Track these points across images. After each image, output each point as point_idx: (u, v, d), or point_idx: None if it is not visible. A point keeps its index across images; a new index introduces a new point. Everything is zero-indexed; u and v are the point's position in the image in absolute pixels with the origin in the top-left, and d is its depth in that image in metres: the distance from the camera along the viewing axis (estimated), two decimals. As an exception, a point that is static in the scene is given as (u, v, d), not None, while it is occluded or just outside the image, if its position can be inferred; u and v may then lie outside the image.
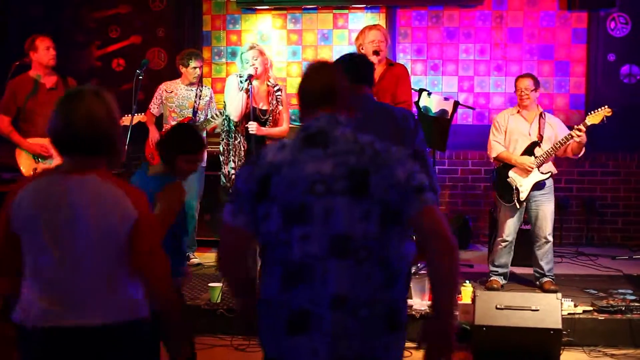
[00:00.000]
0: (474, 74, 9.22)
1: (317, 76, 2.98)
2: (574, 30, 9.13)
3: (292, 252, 2.71)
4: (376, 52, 6.28)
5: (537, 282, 6.69)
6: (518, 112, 6.82)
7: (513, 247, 6.75)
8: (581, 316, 5.92)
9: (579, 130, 6.42)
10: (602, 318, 5.92)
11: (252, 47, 6.59)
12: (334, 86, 2.93)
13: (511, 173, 6.67)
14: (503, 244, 6.70)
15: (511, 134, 6.78)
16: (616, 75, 8.99)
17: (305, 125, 2.89)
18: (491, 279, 6.73)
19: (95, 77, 9.36)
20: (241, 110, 6.43)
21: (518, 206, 6.64)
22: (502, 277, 6.75)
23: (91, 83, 8.66)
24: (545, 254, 6.63)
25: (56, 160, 6.71)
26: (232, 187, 2.69)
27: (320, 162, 2.73)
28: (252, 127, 6.38)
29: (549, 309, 5.52)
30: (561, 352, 5.59)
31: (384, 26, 8.24)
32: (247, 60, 6.52)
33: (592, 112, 6.54)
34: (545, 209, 6.64)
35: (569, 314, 5.86)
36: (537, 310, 5.53)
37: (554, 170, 6.72)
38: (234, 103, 6.46)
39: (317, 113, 2.88)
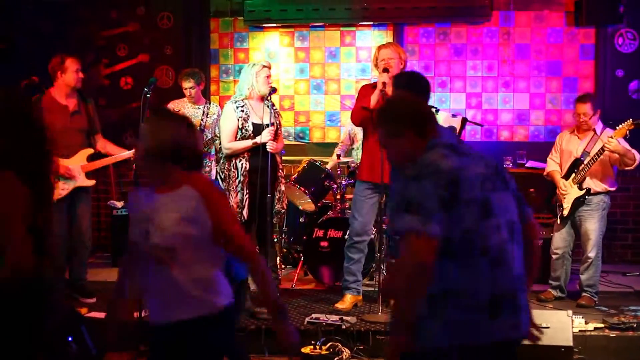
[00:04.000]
0: (481, 91, 9.21)
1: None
2: (582, 47, 9.12)
3: (490, 242, 3.06)
4: (385, 70, 6.39)
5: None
6: (573, 131, 6.97)
7: (566, 262, 6.92)
8: (592, 333, 5.88)
9: (608, 142, 6.48)
10: (614, 335, 5.87)
11: (268, 67, 6.71)
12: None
13: (558, 191, 6.87)
14: (554, 256, 6.93)
15: (563, 153, 6.95)
16: (624, 91, 8.97)
17: (439, 140, 3.25)
18: (547, 290, 6.97)
19: (103, 95, 9.38)
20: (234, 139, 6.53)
21: (559, 222, 6.89)
22: (556, 290, 6.94)
23: (99, 102, 8.74)
24: (585, 270, 6.77)
25: (79, 182, 6.74)
26: (408, 199, 2.95)
27: (477, 165, 3.17)
28: (272, 145, 6.40)
29: (560, 326, 5.48)
30: (572, 369, 5.55)
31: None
32: (262, 78, 6.62)
33: (617, 127, 6.58)
34: (587, 226, 6.73)
35: (580, 331, 5.82)
36: (548, 327, 5.48)
37: (595, 187, 6.72)
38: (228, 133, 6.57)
39: (435, 133, 3.28)
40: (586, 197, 6.67)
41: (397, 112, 3.36)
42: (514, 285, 3.12)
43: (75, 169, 6.73)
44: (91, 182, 6.89)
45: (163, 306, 3.35)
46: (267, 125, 6.44)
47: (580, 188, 6.68)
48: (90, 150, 6.91)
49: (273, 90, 6.69)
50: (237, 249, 3.35)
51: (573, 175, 6.73)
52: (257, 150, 6.37)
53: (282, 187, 6.68)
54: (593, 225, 6.71)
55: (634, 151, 6.62)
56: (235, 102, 6.73)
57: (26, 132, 3.42)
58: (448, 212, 2.99)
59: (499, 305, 3.06)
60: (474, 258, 3.05)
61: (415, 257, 2.95)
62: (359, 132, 7.47)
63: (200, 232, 3.28)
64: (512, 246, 3.14)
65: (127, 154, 7.01)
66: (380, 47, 6.63)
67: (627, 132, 6.55)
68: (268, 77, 6.69)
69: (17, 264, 3.25)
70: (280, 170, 6.71)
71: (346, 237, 6.96)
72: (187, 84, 7.49)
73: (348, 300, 6.59)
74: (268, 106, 6.61)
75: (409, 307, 3.02)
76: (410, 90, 4.13)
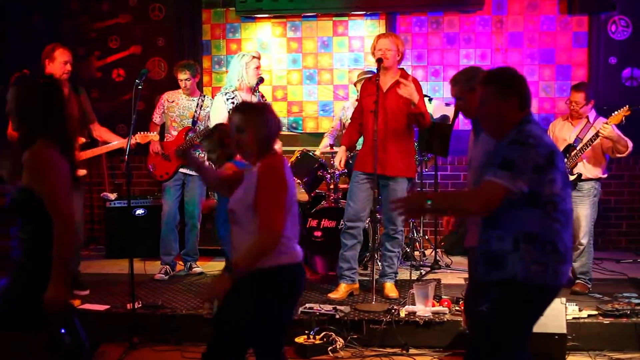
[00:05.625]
0: (475, 79, 9.17)
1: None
2: (575, 34, 9.11)
3: (567, 205, 3.70)
4: (380, 60, 6.39)
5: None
6: (567, 118, 6.98)
7: None
8: (586, 320, 5.87)
9: (603, 128, 6.49)
10: (607, 322, 5.86)
11: (258, 57, 6.83)
12: None
13: None
14: None
15: (557, 140, 6.90)
16: (618, 78, 8.97)
17: (533, 119, 3.81)
18: None
19: (95, 87, 9.35)
20: None
21: None
22: None
23: (91, 94, 8.72)
24: (578, 257, 6.73)
25: None
26: (510, 159, 3.60)
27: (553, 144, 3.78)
28: None
29: (554, 314, 5.45)
30: (566, 357, 5.55)
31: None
32: (252, 69, 6.68)
33: (613, 113, 6.58)
34: (578, 211, 6.66)
35: (573, 318, 5.81)
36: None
37: (586, 173, 6.73)
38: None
39: (530, 111, 3.81)
40: (577, 182, 6.67)
41: (513, 78, 3.81)
42: (571, 243, 3.84)
43: (66, 159, 6.70)
44: (82, 172, 6.85)
45: (233, 257, 3.94)
46: None
47: (572, 174, 6.68)
48: (82, 140, 6.89)
49: (260, 80, 6.73)
50: (260, 222, 3.77)
51: (565, 160, 6.72)
52: None
53: None
54: (584, 211, 6.72)
55: (626, 139, 6.62)
56: (226, 93, 6.73)
57: (65, 116, 3.80)
58: (542, 175, 3.56)
59: (566, 257, 3.68)
60: (557, 214, 3.63)
61: (488, 199, 3.56)
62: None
63: (250, 201, 3.81)
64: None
65: (116, 144, 6.98)
66: (378, 37, 6.61)
67: (623, 118, 6.55)
68: (257, 67, 6.72)
69: (73, 238, 3.59)
70: None
71: (340, 226, 6.99)
72: (182, 76, 7.46)
73: (342, 290, 6.58)
74: (257, 97, 6.64)
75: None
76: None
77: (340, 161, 6.74)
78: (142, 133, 7.13)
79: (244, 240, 3.84)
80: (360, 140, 6.83)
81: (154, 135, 7.29)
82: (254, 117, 3.94)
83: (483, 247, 3.78)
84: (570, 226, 3.77)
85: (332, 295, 6.54)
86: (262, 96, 6.89)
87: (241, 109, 4.04)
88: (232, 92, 6.73)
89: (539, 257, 3.60)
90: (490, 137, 3.92)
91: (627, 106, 6.56)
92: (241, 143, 3.95)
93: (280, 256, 3.85)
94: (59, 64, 6.70)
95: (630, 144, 6.63)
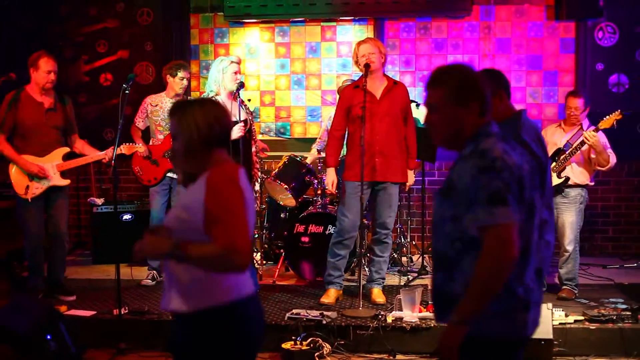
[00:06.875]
0: (462, 85, 9.18)
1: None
2: (562, 40, 9.14)
3: (532, 238, 2.99)
4: (367, 65, 6.41)
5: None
6: (559, 125, 7.01)
7: None
8: (572, 326, 5.89)
9: (590, 135, 6.51)
10: (594, 327, 5.89)
11: (236, 62, 6.80)
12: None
13: None
14: None
15: (547, 145, 6.83)
16: (605, 84, 9.00)
17: (493, 130, 3.00)
18: None
19: (83, 92, 9.32)
20: None
21: None
22: None
23: (79, 99, 8.70)
24: (564, 263, 6.77)
25: (53, 181, 6.69)
26: (495, 190, 2.78)
27: (525, 161, 2.99)
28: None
29: (540, 319, 5.46)
30: (553, 362, 5.56)
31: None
32: (230, 74, 6.68)
33: (605, 117, 6.60)
34: (564, 218, 6.73)
35: (560, 323, 5.83)
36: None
37: (574, 179, 6.74)
38: None
39: (490, 118, 3.03)
40: (563, 187, 6.68)
41: (473, 78, 3.00)
42: (534, 280, 3.04)
43: (50, 168, 6.68)
44: (66, 182, 6.84)
45: (165, 294, 3.20)
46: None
47: (559, 177, 6.69)
48: (66, 149, 6.86)
49: (241, 85, 6.70)
50: (220, 241, 2.95)
51: (553, 164, 6.73)
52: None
53: (257, 187, 6.71)
54: (570, 218, 6.73)
55: (610, 152, 6.65)
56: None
57: None
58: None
59: (529, 300, 2.97)
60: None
61: (510, 249, 2.79)
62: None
63: (192, 218, 3.02)
64: (539, 243, 3.14)
65: (101, 154, 6.93)
66: (359, 43, 6.63)
67: (615, 122, 6.56)
68: (236, 72, 6.69)
69: None
70: (256, 170, 6.73)
71: (327, 232, 7.02)
72: (182, 74, 7.40)
73: (332, 295, 6.59)
74: (239, 104, 6.65)
75: (487, 299, 2.82)
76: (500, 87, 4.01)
77: (333, 183, 6.72)
78: (127, 144, 7.08)
79: (183, 274, 3.10)
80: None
81: (139, 147, 7.23)
82: (185, 118, 3.11)
83: (436, 286, 3.08)
84: (532, 262, 3.01)
85: (324, 300, 6.54)
86: (242, 102, 6.86)
87: (172, 111, 3.19)
88: (214, 97, 6.72)
89: (491, 307, 2.86)
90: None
91: (619, 110, 6.58)
92: (174, 153, 3.20)
93: (226, 291, 3.07)
94: (42, 73, 6.66)
95: (612, 160, 6.67)
